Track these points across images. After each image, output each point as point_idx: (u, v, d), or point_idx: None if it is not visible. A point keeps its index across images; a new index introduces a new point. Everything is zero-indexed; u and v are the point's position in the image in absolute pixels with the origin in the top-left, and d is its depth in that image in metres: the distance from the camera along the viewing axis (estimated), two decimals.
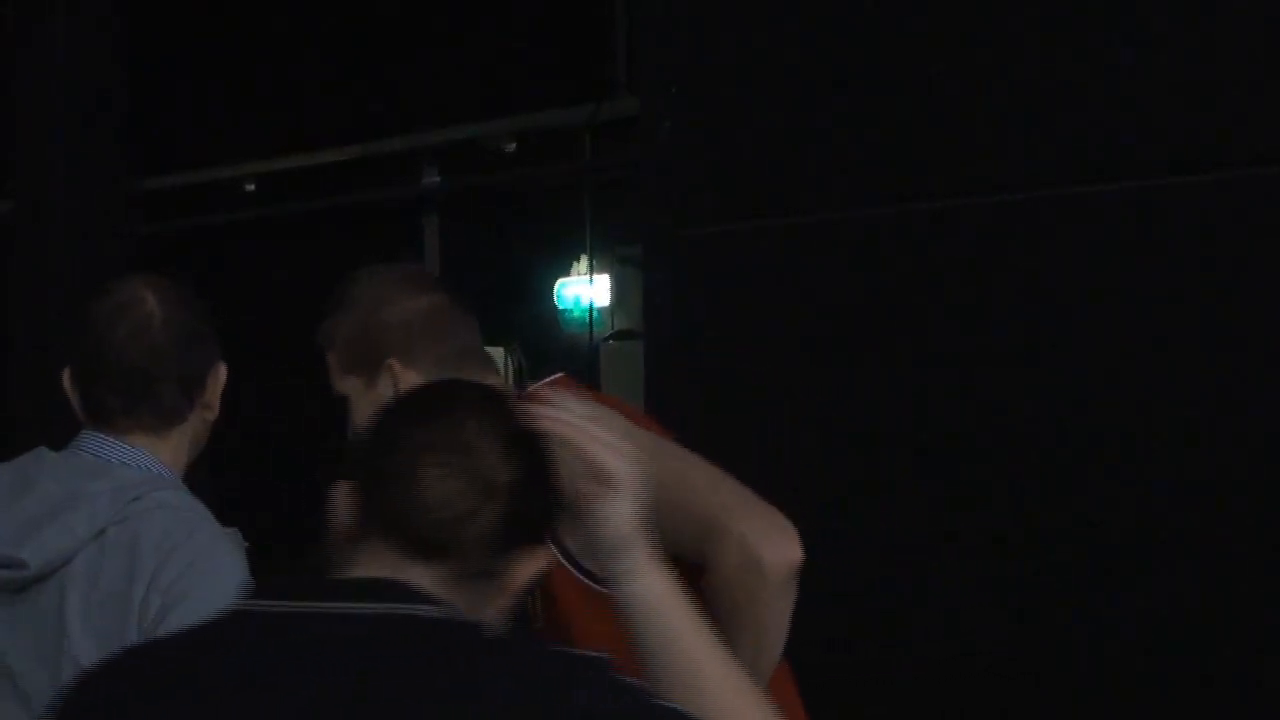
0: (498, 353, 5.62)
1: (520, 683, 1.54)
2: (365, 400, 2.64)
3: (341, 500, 1.76)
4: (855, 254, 3.77)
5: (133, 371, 2.40)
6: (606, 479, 1.81)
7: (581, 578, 2.47)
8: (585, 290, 5.56)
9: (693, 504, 2.35)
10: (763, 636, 2.35)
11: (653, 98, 4.27)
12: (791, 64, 3.90)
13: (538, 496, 1.71)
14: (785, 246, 3.90)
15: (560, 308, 5.66)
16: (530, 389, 2.59)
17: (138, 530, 2.27)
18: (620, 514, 1.82)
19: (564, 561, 2.49)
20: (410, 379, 2.61)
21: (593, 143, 5.43)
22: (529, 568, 1.71)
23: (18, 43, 6.28)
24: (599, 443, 1.82)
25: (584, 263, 5.54)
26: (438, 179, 5.97)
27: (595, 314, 5.53)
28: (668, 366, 4.17)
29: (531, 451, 1.71)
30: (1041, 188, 3.52)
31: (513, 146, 5.68)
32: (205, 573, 2.24)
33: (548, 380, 2.63)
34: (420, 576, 1.66)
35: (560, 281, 5.65)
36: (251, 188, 6.34)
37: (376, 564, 1.68)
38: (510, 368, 5.61)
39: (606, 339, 5.47)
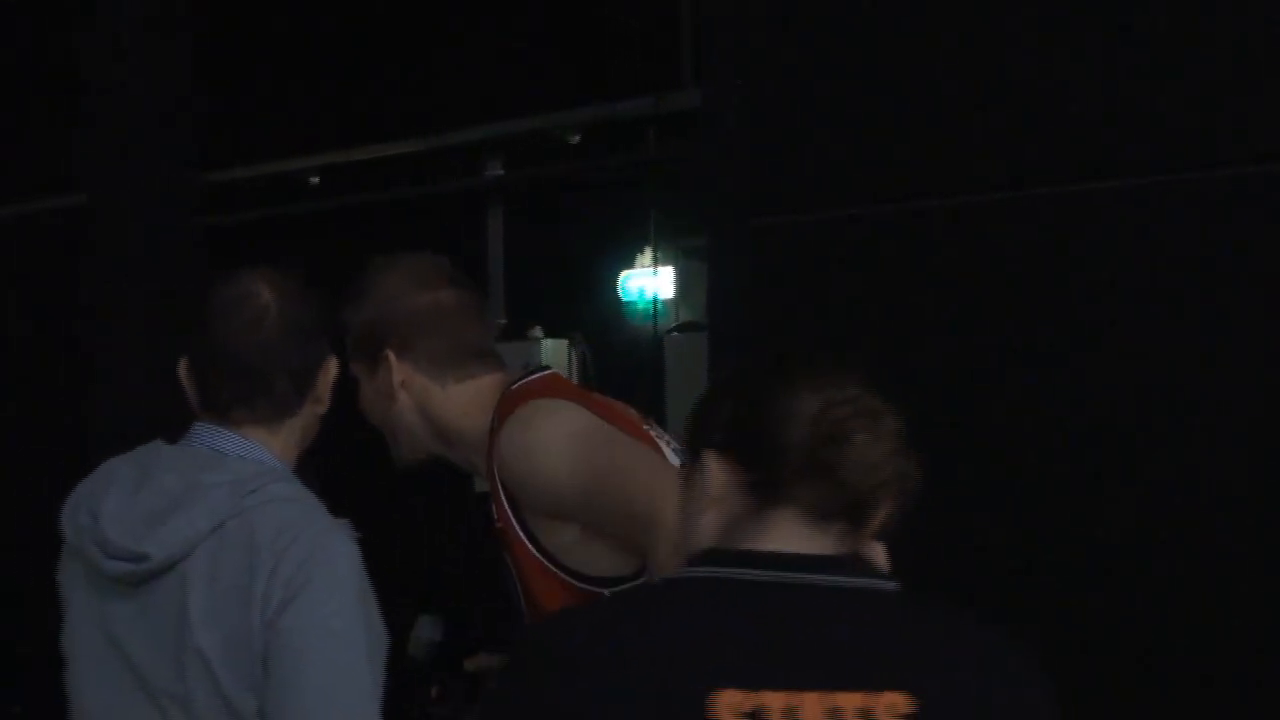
0: (561, 345, 5.62)
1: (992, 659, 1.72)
2: (369, 385, 2.73)
3: (715, 473, 1.78)
4: (921, 245, 3.75)
5: (247, 365, 2.44)
6: None
7: (567, 577, 2.53)
8: (649, 282, 5.55)
9: (636, 496, 2.40)
10: None
11: (717, 89, 4.25)
12: (856, 54, 3.88)
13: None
14: (850, 238, 3.88)
15: (624, 300, 5.65)
16: (518, 385, 2.61)
17: (255, 524, 2.31)
18: None
19: (548, 564, 2.53)
20: (405, 371, 2.68)
21: (657, 134, 5.42)
22: (890, 515, 1.81)
23: (88, 37, 6.32)
24: None
25: (648, 255, 5.53)
26: (501, 171, 5.98)
27: (659, 306, 5.53)
28: (732, 359, 4.17)
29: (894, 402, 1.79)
30: (1116, 178, 3.50)
31: (577, 138, 5.68)
32: (322, 564, 2.28)
33: (536, 376, 2.66)
34: (833, 538, 1.74)
35: (624, 274, 5.64)
36: (316, 180, 6.36)
37: (788, 530, 1.74)
38: (574, 360, 5.61)
39: (670, 331, 5.46)
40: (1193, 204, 3.35)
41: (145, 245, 6.13)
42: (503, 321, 5.92)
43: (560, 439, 2.51)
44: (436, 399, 2.71)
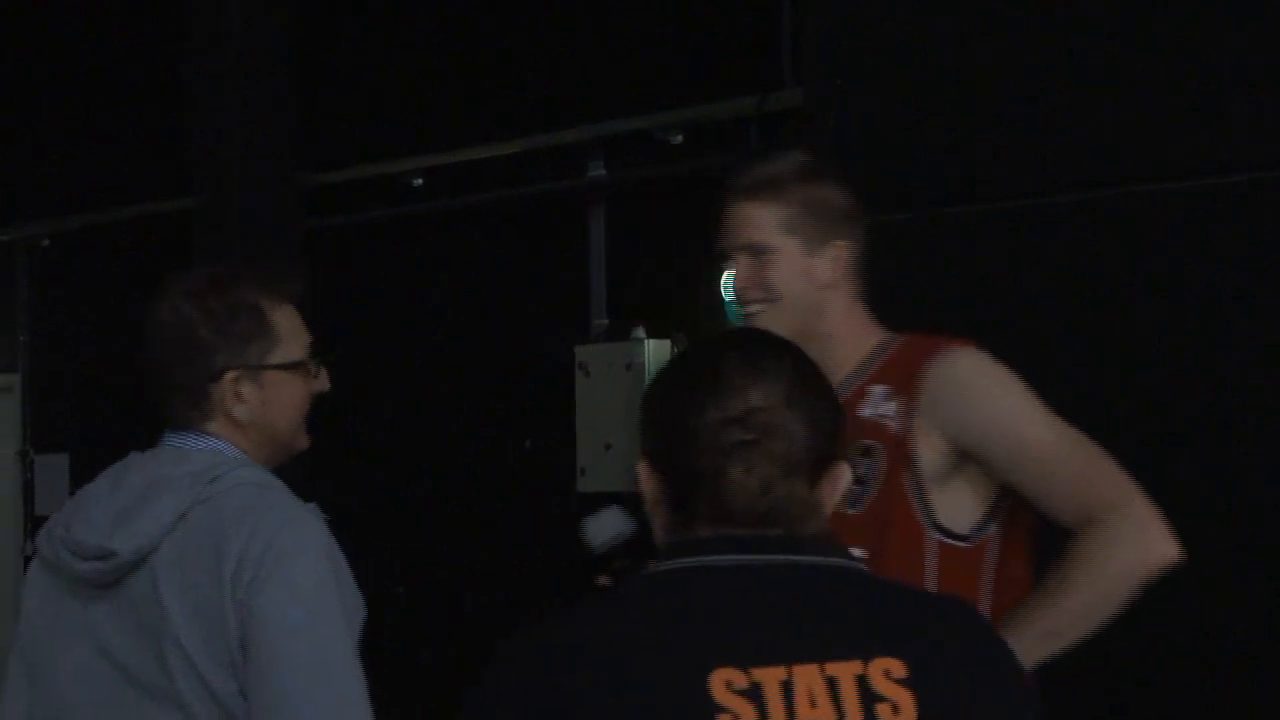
0: (664, 345, 5.62)
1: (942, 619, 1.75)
2: (795, 263, 2.75)
3: (646, 482, 1.81)
4: (1020, 243, 3.73)
5: (151, 380, 2.52)
6: None
7: (942, 537, 2.63)
8: None
9: (1077, 478, 2.56)
10: (1090, 608, 2.53)
11: (819, 89, 4.25)
12: (956, 53, 3.86)
13: (826, 431, 1.76)
14: (949, 236, 3.87)
15: (726, 299, 5.64)
16: (932, 337, 2.66)
17: (220, 508, 2.35)
18: None
19: (925, 524, 2.62)
20: (842, 266, 2.74)
21: (759, 135, 5.41)
22: (835, 490, 1.80)
23: (193, 41, 6.39)
24: None
25: None
26: (604, 171, 5.98)
27: None
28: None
29: (808, 388, 1.76)
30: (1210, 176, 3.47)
31: (679, 138, 5.67)
32: (291, 540, 2.32)
33: (955, 340, 2.69)
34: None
35: (727, 274, 5.63)
36: (419, 182, 6.40)
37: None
38: None
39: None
40: None
41: (251, 248, 6.19)
42: (605, 322, 5.93)
43: (1020, 386, 2.67)
44: (843, 298, 2.77)
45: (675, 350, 5.62)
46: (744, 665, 1.64)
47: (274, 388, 2.47)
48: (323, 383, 2.56)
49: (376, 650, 6.79)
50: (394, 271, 6.52)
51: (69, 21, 7.49)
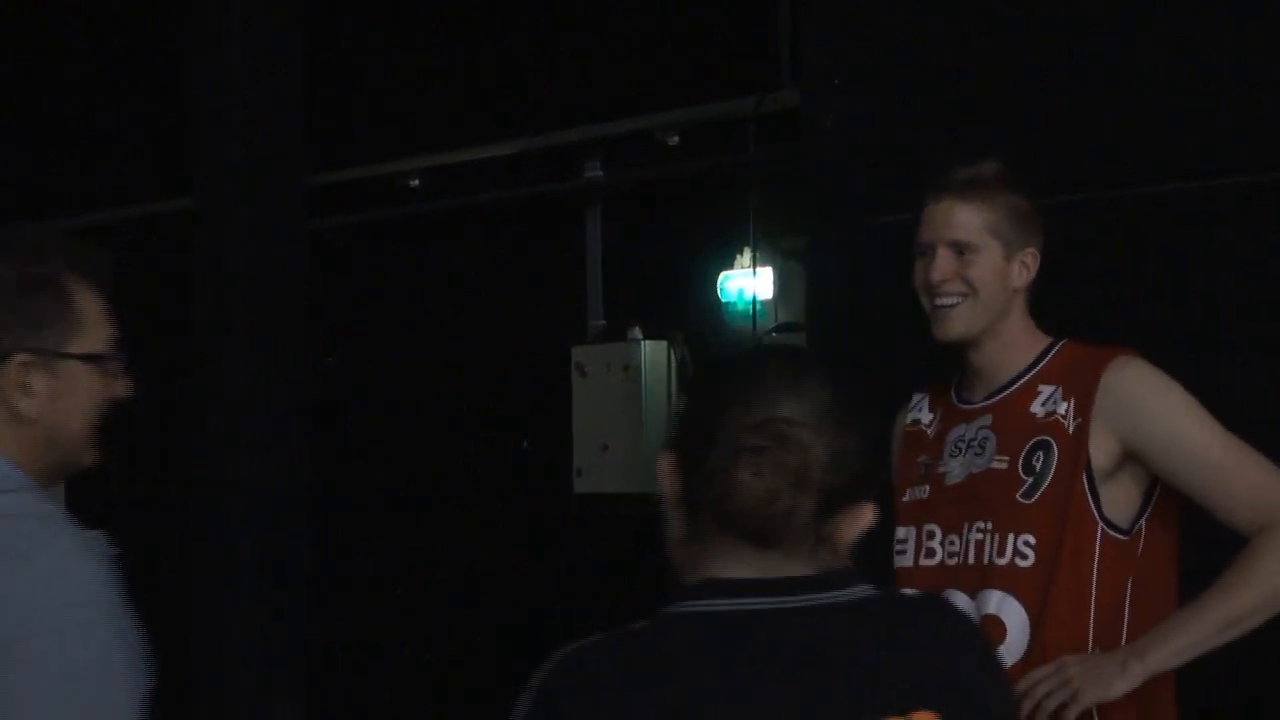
0: (660, 346, 5.62)
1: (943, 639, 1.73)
2: (995, 264, 2.90)
3: (664, 476, 1.76)
4: None
5: None
6: None
7: (1107, 529, 2.80)
8: (748, 283, 5.54)
9: (1252, 487, 2.75)
10: (1266, 601, 2.71)
11: (816, 90, 4.25)
12: (955, 53, 3.86)
13: (850, 468, 1.70)
14: None
15: (724, 300, 5.65)
16: (1096, 344, 2.88)
17: None
18: None
19: (1097, 516, 2.80)
20: (1029, 273, 2.90)
21: (756, 135, 5.41)
22: (854, 527, 1.74)
23: (196, 39, 6.39)
24: None
25: (747, 255, 5.52)
26: (601, 172, 5.99)
27: (758, 307, 5.51)
28: (830, 358, 4.15)
29: (842, 422, 1.70)
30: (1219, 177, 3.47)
31: (676, 139, 5.68)
32: (58, 594, 1.92)
33: (1121, 348, 2.86)
34: (774, 559, 1.69)
35: (724, 274, 5.63)
36: (415, 183, 6.40)
37: (734, 560, 1.69)
38: (674, 360, 5.61)
39: (770, 332, 5.45)
40: None
41: (251, 248, 6.19)
42: (601, 323, 5.94)
43: (1191, 398, 2.82)
44: (1023, 303, 2.93)
45: (672, 350, 5.63)
46: None
47: (70, 382, 2.07)
48: (122, 387, 2.15)
49: (377, 650, 6.82)
50: (390, 272, 6.53)
51: (70, 21, 7.49)
